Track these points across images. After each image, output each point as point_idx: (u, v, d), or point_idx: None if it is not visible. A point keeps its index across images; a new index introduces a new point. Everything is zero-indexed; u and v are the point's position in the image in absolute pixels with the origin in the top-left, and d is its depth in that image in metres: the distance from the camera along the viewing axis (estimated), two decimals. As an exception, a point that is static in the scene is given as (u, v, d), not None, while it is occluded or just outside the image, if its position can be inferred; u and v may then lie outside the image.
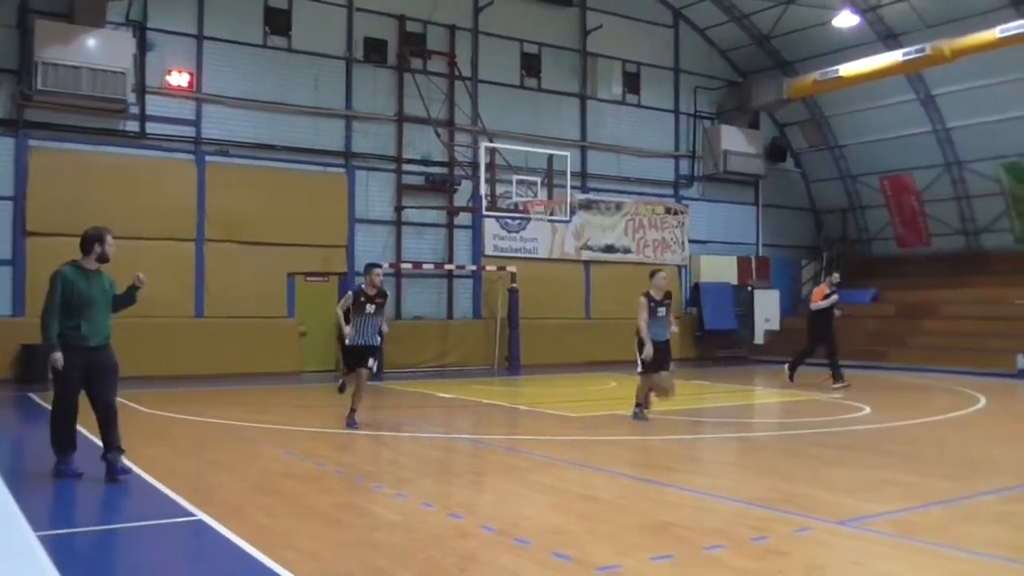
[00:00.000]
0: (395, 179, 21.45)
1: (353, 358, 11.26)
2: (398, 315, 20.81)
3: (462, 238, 22.39)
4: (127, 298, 8.07)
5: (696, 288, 25.75)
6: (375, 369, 11.47)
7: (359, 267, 20.57)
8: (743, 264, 27.02)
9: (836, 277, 17.69)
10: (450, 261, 21.96)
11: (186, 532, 6.20)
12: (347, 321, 11.04)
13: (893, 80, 23.73)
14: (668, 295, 12.01)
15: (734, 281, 26.52)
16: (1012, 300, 22.25)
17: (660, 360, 11.75)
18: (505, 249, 22.81)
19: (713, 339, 25.86)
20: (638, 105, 25.53)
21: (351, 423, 11.16)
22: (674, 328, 12.19)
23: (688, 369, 22.43)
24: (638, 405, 12.01)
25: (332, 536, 5.95)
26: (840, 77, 23.19)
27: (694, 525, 6.32)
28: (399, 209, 21.40)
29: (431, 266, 21.42)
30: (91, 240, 7.73)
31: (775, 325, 26.75)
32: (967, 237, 25.94)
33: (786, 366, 17.81)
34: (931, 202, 26.42)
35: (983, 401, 14.71)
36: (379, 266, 11.60)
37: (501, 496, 7.40)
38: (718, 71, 27.20)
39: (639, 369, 11.83)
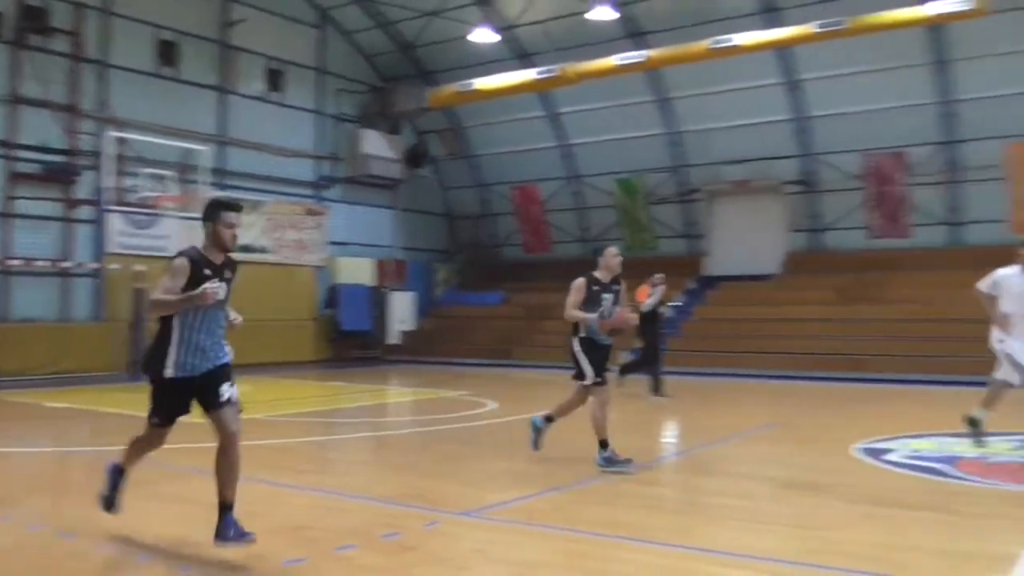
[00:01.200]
0: (5, 166, 19.29)
1: (176, 398, 5.78)
2: (4, 317, 18.67)
3: (83, 233, 20.55)
4: None
5: (333, 290, 25.81)
6: (235, 399, 5.74)
7: (-42, 262, 18.33)
8: (381, 266, 27.51)
9: (658, 277, 15.26)
10: (67, 258, 20.10)
11: None
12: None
13: (526, 97, 25.45)
14: (617, 279, 9.09)
15: (372, 283, 26.94)
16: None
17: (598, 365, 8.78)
18: (133, 246, 21.23)
19: (349, 340, 26.06)
20: (281, 104, 25.13)
21: (235, 535, 5.50)
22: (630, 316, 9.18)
23: (323, 371, 22.49)
24: (603, 444, 8.55)
25: (-85, 567, 5.26)
26: (476, 90, 24.37)
27: (326, 526, 6.35)
28: (10, 199, 19.26)
29: (46, 263, 19.50)
30: None
31: (410, 326, 27.58)
32: (584, 245, 28.36)
33: (617, 370, 15.11)
34: (554, 211, 28.66)
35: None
36: (236, 209, 5.71)
37: (123, 512, 6.94)
38: (362, 75, 27.52)
39: (586, 380, 8.84)
